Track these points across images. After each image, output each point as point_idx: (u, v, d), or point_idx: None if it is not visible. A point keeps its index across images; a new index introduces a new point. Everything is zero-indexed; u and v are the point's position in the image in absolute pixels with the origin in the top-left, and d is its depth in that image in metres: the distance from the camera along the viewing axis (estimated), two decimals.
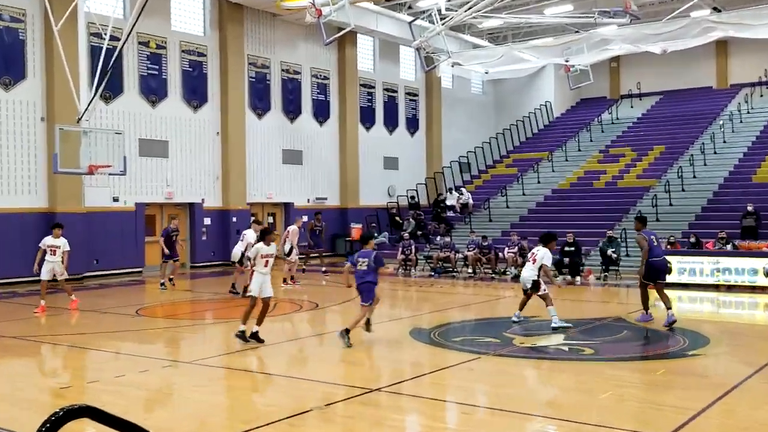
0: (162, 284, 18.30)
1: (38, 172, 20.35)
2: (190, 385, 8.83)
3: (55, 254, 14.48)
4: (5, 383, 8.91)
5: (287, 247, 19.12)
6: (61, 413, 2.56)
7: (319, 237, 22.59)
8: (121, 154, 16.66)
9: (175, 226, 19.00)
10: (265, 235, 11.29)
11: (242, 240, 16.65)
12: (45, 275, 14.48)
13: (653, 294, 12.79)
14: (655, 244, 12.66)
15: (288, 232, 19.77)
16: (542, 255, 12.35)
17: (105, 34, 16.45)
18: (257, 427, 6.82)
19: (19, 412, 7.58)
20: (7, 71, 19.70)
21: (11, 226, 19.65)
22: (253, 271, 10.96)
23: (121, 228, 22.18)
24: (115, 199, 22.15)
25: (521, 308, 12.77)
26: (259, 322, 10.79)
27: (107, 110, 21.77)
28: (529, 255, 13.13)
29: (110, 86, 20.46)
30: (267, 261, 10.93)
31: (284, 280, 18.76)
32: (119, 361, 10.26)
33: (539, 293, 12.41)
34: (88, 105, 16.06)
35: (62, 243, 14.51)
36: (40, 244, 14.60)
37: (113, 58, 16.48)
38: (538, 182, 30.04)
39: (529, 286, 12.50)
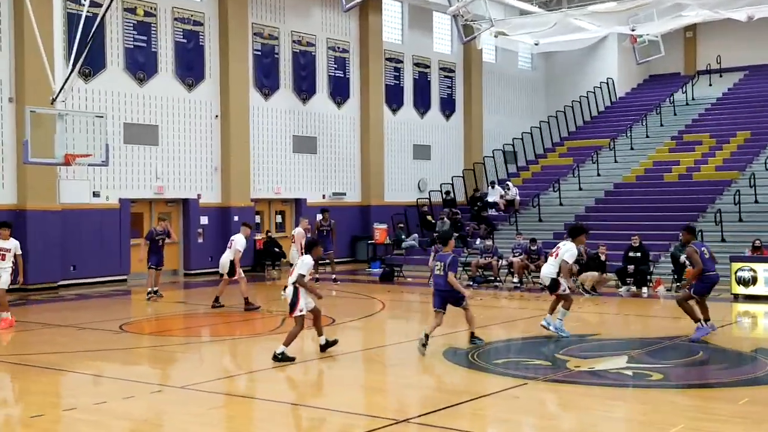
0: (149, 294, 18.42)
1: (5, 162, 20.59)
2: (183, 414, 8.85)
3: (4, 259, 14.26)
4: None
5: (294, 253, 19.20)
6: None
7: (327, 238, 22.59)
8: (103, 142, 16.76)
9: (163, 228, 19.06)
10: (312, 248, 11.75)
11: (230, 247, 16.94)
12: (3, 284, 14.25)
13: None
14: (707, 256, 12.97)
15: (294, 236, 19.85)
16: (565, 250, 12.70)
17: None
18: None
19: None
20: None
21: None
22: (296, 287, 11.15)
23: (103, 228, 22.37)
24: (96, 195, 22.35)
25: (551, 311, 13.14)
26: (321, 331, 11.69)
27: (87, 89, 21.97)
28: (553, 248, 13.43)
29: (90, 61, 20.63)
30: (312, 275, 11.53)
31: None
32: (100, 386, 10.32)
33: (559, 293, 12.73)
34: (64, 83, 16.20)
35: (13, 245, 14.32)
36: None
37: (94, 28, 16.64)
38: (598, 175, 29.79)
39: (547, 284, 12.92)
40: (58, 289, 20.96)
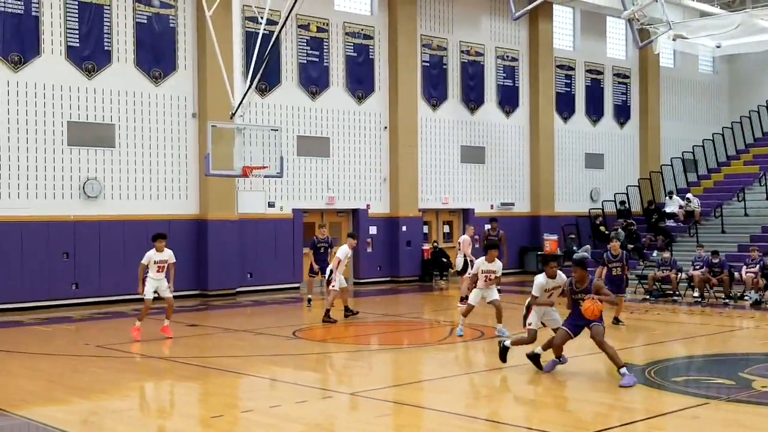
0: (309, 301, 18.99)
1: (189, 174, 21.80)
2: (353, 421, 9.07)
3: (162, 271, 14.42)
4: (154, 410, 9.60)
5: (460, 261, 19.25)
6: None
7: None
8: (278, 154, 17.41)
9: (323, 236, 19.53)
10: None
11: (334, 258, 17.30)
12: (150, 294, 14.39)
13: None
14: None
15: (459, 243, 19.87)
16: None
17: (261, 17, 17.36)
18: None
19: None
20: (156, 63, 21.31)
21: None
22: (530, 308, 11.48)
23: (277, 238, 23.25)
24: (271, 205, 23.29)
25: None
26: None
27: (263, 104, 22.96)
28: None
29: (266, 77, 21.60)
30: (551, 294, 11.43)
31: (461, 299, 18.85)
32: (275, 389, 10.75)
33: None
34: (243, 98, 16.93)
35: (168, 256, 14.44)
36: (143, 261, 14.45)
37: (270, 45, 17.33)
38: None
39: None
40: (236, 295, 21.95)
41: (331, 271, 17.05)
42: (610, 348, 10.59)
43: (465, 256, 19.45)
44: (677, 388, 10.49)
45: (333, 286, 16.84)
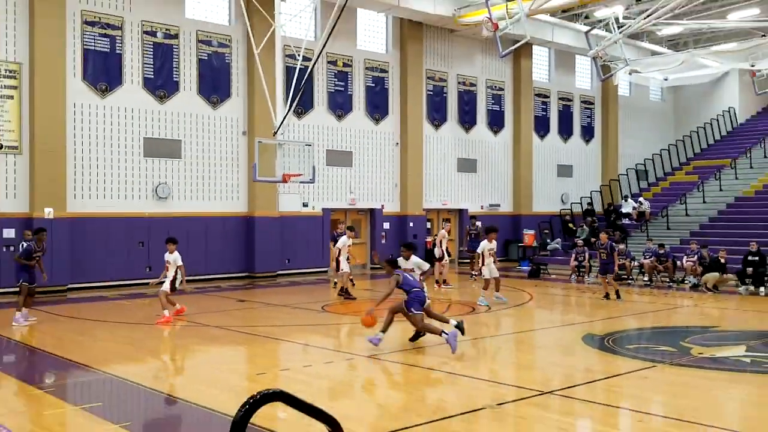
0: (335, 284, 19.00)
1: (240, 180, 21.86)
2: (369, 378, 9.09)
3: (168, 270, 13.46)
4: (210, 368, 9.65)
5: (438, 251, 19.42)
6: (258, 397, 2.74)
7: (476, 241, 22.44)
8: (311, 164, 17.43)
9: (341, 230, 19.56)
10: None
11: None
12: (167, 286, 13.43)
13: None
14: None
15: (436, 237, 20.25)
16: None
17: (298, 55, 17.42)
18: (431, 421, 6.89)
19: (219, 393, 8.17)
20: (215, 91, 21.38)
21: (216, 229, 21.26)
22: None
23: (309, 231, 23.30)
24: (305, 205, 23.32)
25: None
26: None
27: (299, 124, 22.98)
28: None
29: (302, 102, 21.67)
30: None
31: (439, 282, 19.02)
32: (307, 353, 10.77)
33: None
34: (283, 120, 16.97)
35: (174, 258, 13.38)
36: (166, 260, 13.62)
37: (305, 77, 17.35)
38: (720, 190, 27.93)
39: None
40: (276, 277, 22.01)
41: (338, 259, 17.26)
42: (429, 326, 10.47)
43: (440, 245, 19.52)
44: (630, 353, 10.45)
45: (342, 269, 17.05)
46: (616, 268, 17.44)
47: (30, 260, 13.30)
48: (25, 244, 14.13)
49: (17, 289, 13.52)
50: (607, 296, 16.68)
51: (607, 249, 16.99)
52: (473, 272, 21.51)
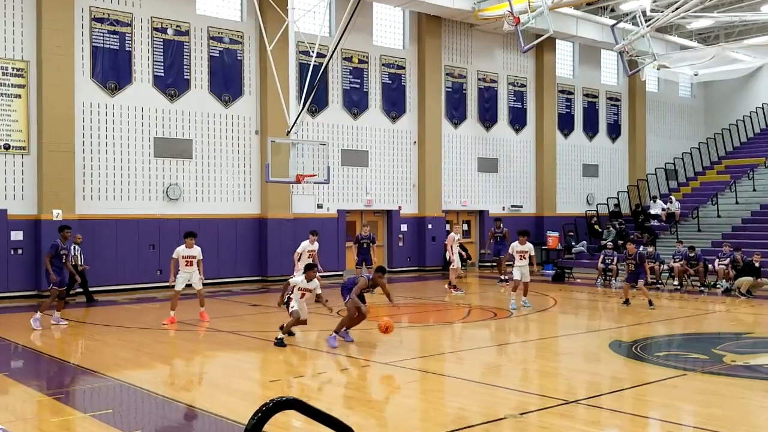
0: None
1: (252, 180, 21.95)
2: (387, 386, 9.07)
3: (191, 265, 13.77)
4: (222, 374, 9.69)
5: (450, 255, 19.36)
6: (271, 404, 2.73)
7: (502, 243, 22.42)
8: (325, 164, 17.43)
9: (366, 233, 19.53)
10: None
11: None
12: (179, 286, 13.76)
13: None
14: None
15: (446, 242, 20.12)
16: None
17: (312, 51, 17.44)
18: (452, 431, 6.87)
19: (232, 400, 8.20)
20: (227, 89, 21.48)
21: (228, 230, 21.36)
22: None
23: (324, 233, 23.26)
24: (319, 206, 23.36)
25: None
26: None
27: (313, 123, 23.03)
28: None
29: (316, 100, 21.73)
30: None
31: (450, 285, 18.95)
32: (322, 359, 10.77)
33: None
34: (297, 118, 17.01)
35: (197, 252, 13.79)
36: (173, 255, 13.93)
37: (319, 74, 17.39)
38: (754, 190, 27.64)
39: None
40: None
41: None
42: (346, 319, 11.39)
43: (451, 249, 19.47)
44: (659, 361, 10.36)
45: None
46: (648, 278, 17.23)
47: (59, 257, 13.34)
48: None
49: (47, 293, 13.51)
50: (626, 302, 16.51)
51: (636, 259, 16.74)
52: (501, 277, 21.42)
